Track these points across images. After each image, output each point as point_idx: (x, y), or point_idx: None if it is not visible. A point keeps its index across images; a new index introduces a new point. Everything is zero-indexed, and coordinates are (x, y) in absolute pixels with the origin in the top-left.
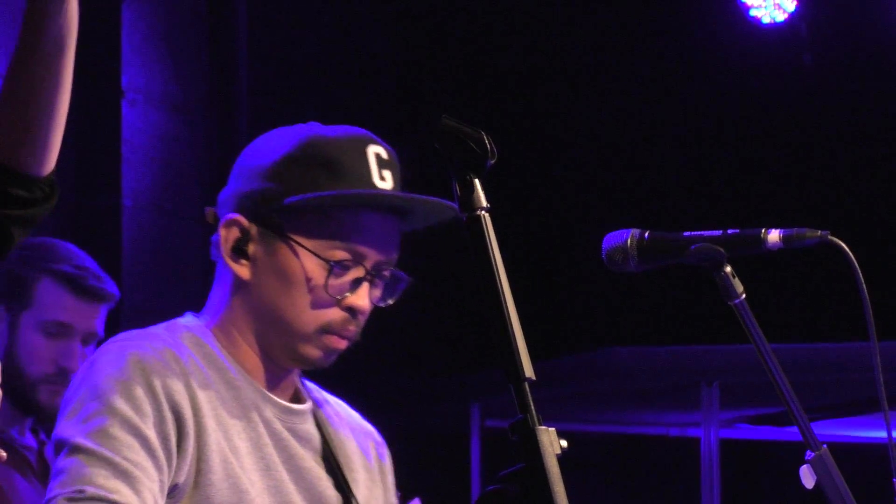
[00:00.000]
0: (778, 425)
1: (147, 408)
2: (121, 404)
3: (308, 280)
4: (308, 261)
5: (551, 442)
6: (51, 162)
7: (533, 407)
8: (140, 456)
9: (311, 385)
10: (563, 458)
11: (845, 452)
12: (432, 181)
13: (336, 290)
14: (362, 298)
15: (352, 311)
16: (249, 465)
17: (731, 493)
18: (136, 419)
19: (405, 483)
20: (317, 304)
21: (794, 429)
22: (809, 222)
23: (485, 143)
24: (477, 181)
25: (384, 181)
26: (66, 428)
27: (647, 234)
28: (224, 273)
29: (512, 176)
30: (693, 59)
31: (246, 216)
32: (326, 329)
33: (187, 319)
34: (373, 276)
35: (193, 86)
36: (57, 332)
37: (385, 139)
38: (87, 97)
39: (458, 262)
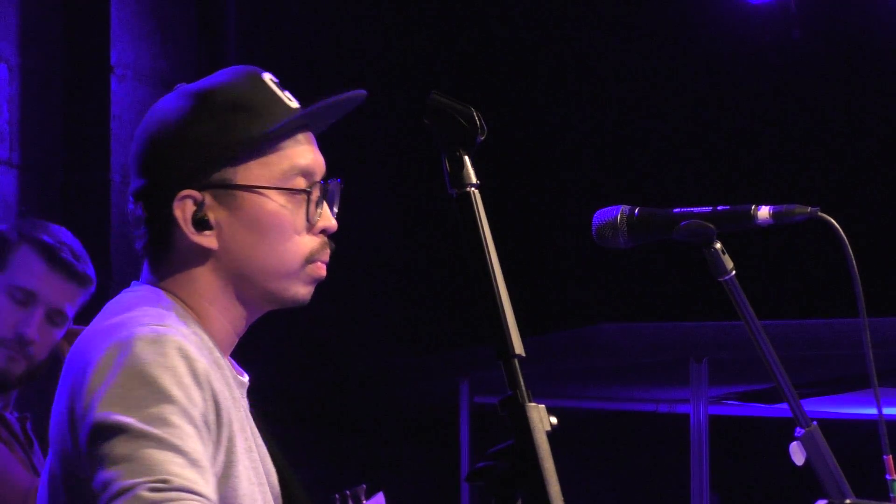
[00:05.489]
0: (767, 402)
1: (196, 396)
2: (175, 391)
3: (283, 218)
4: (279, 199)
5: (541, 418)
6: None
7: (522, 383)
8: (199, 446)
9: None
10: (553, 434)
11: (835, 429)
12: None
13: (312, 216)
14: (330, 218)
15: (324, 232)
16: (243, 447)
17: (720, 471)
18: (190, 408)
19: (374, 475)
20: (295, 240)
21: (784, 405)
22: (799, 199)
23: (475, 119)
24: (466, 157)
25: (291, 101)
26: (113, 412)
27: (636, 211)
28: (176, 247)
29: (501, 152)
30: (682, 34)
31: (194, 187)
32: (309, 259)
33: (155, 294)
34: (325, 192)
35: (182, 61)
36: (22, 298)
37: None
38: (75, 73)
39: (447, 238)
